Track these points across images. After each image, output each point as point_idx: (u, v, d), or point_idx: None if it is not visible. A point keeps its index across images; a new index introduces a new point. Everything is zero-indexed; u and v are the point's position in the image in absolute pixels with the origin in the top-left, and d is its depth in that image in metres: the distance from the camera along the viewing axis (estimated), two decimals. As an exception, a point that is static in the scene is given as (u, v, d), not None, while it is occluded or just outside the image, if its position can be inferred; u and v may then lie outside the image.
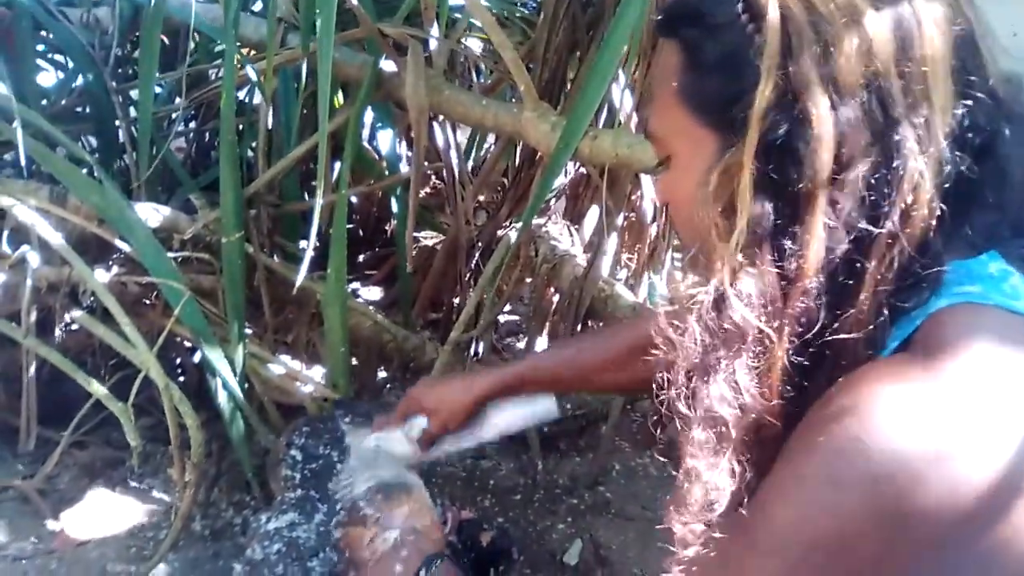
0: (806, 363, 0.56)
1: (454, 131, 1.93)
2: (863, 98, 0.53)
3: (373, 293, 2.29)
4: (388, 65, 1.56)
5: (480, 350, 1.91)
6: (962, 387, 0.48)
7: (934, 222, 0.54)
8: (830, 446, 0.49)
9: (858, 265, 0.54)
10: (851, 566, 0.48)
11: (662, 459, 1.89)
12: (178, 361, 1.86)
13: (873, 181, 0.53)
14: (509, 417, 1.15)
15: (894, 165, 0.53)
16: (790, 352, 0.55)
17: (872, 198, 0.53)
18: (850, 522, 0.47)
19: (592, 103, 1.29)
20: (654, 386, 0.61)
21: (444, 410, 1.12)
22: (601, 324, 1.79)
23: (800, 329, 0.55)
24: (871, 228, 0.53)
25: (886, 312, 0.55)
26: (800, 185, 0.53)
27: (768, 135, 0.54)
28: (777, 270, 0.54)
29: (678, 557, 0.57)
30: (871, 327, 0.54)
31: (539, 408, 1.14)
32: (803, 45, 0.53)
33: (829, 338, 0.55)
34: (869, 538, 0.47)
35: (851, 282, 0.54)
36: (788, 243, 0.54)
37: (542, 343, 1.92)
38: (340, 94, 1.91)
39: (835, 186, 0.53)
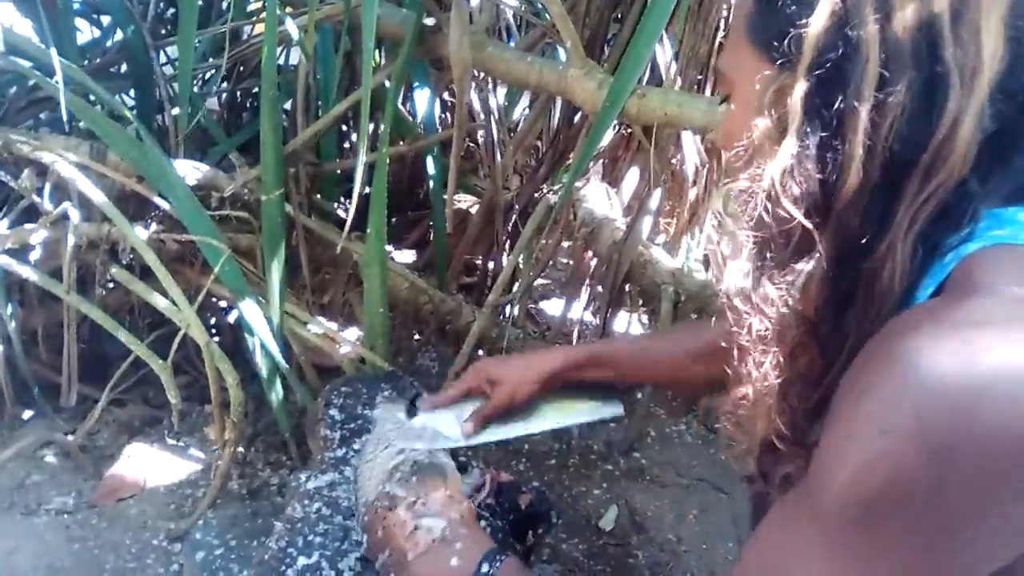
0: (843, 290, 0.59)
1: (494, 91, 1.90)
2: (913, 33, 0.55)
3: (406, 256, 2.28)
4: (427, 21, 1.53)
5: (516, 314, 1.89)
6: (998, 322, 0.50)
7: (970, 165, 0.56)
8: (876, 397, 0.51)
9: (895, 191, 0.57)
10: (908, 515, 0.49)
11: (702, 427, 1.88)
12: (213, 321, 1.87)
13: (912, 111, 0.55)
14: (564, 412, 1.12)
15: (935, 98, 0.54)
16: (830, 271, 0.59)
17: (911, 127, 0.55)
18: (902, 465, 0.48)
19: (641, 60, 1.26)
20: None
21: (510, 383, 1.09)
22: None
23: (842, 241, 0.58)
24: (907, 155, 0.55)
25: (920, 251, 0.57)
26: (844, 104, 0.56)
27: (820, 57, 0.57)
28: (821, 177, 0.57)
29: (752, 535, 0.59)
30: (906, 262, 0.57)
31: (603, 410, 1.12)
32: None
33: (866, 267, 0.58)
34: (921, 481, 0.48)
35: (888, 207, 0.57)
36: (831, 158, 0.57)
37: (578, 307, 1.90)
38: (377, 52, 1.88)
39: (875, 110, 0.55)
